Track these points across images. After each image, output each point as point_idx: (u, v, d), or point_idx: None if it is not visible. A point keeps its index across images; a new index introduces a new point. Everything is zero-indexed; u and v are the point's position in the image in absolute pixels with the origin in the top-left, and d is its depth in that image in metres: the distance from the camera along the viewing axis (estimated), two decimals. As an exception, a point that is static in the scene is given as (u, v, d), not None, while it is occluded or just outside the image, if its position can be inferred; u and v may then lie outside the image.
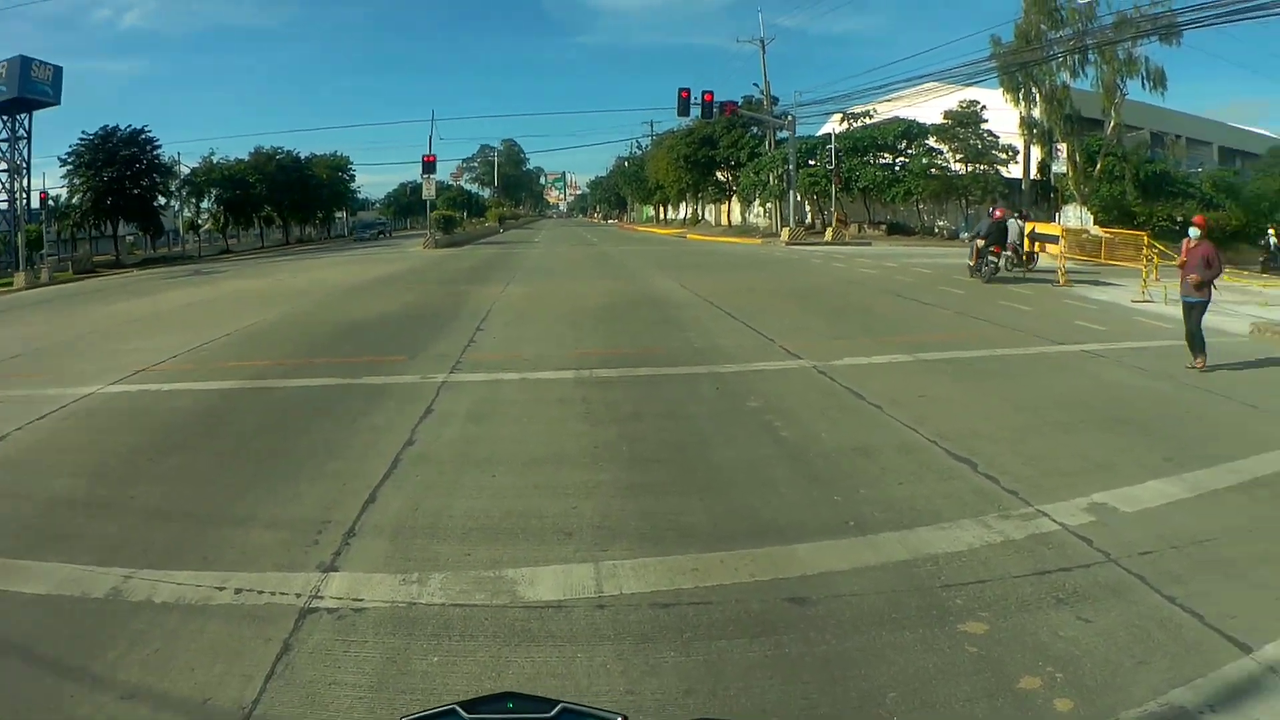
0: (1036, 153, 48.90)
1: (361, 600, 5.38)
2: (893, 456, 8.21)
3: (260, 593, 5.49)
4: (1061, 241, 26.28)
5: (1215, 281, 12.98)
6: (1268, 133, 72.90)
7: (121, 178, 63.91)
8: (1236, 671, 4.47)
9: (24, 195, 55.14)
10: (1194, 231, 13.12)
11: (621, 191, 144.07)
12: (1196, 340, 12.65)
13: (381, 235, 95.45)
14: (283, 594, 5.46)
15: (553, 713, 1.54)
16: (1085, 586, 5.43)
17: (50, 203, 63.85)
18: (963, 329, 16.48)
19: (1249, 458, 8.25)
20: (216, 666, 4.64)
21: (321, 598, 5.40)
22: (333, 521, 6.70)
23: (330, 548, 6.20)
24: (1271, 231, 36.67)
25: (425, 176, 62.60)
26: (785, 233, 53.97)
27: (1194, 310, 12.62)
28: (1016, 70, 43.11)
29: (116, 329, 20.22)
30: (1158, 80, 40.07)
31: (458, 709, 1.52)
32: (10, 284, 47.05)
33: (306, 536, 6.41)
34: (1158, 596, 5.29)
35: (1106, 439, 8.95)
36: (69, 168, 64.91)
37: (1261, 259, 34.63)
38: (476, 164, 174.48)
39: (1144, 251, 23.79)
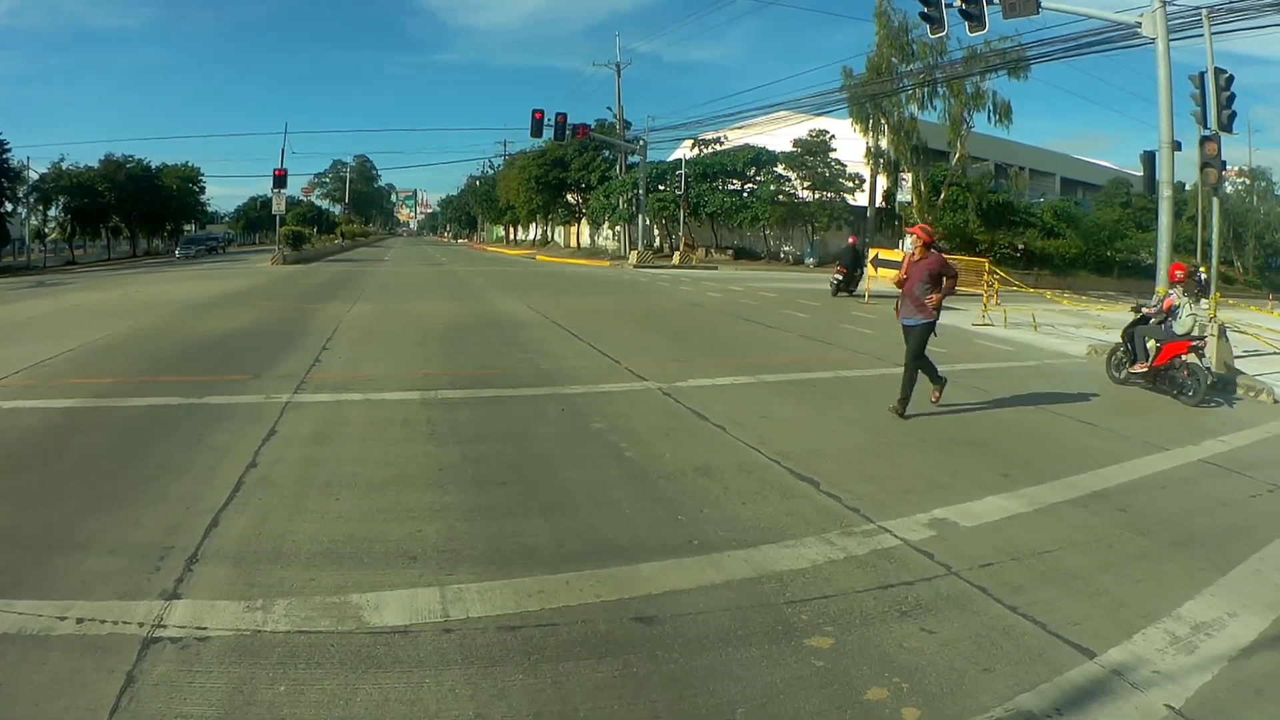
0: (883, 181, 50.57)
1: (205, 629, 5.16)
2: (736, 476, 8.24)
3: (102, 622, 5.22)
4: (904, 267, 27.05)
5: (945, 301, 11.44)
6: (1109, 164, 77.58)
7: None
8: (1081, 676, 4.60)
9: None
10: (909, 242, 11.72)
11: (472, 211, 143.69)
12: (925, 368, 11.42)
13: (213, 252, 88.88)
14: (125, 623, 5.20)
15: None
16: (928, 599, 5.53)
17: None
18: (806, 352, 16.82)
19: (1085, 473, 8.65)
20: (60, 700, 4.40)
21: (165, 626, 5.16)
22: (175, 547, 6.41)
23: (173, 574, 5.93)
24: (1202, 270, 38.84)
25: (276, 191, 60.27)
26: (634, 256, 54.49)
27: (913, 334, 11.30)
28: (866, 102, 44.62)
29: (-47, 342, 18.65)
30: (1004, 114, 42.24)
31: None
32: None
33: (148, 562, 6.12)
34: (1000, 606, 5.42)
35: (946, 458, 9.23)
36: None
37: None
38: (329, 179, 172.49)
39: (985, 277, 24.77)
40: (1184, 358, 13.49)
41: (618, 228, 68.11)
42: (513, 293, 30.99)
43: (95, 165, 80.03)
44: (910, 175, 44.76)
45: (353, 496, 7.67)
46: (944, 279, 11.27)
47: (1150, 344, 13.91)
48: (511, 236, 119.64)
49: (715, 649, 4.88)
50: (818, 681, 4.52)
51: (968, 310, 24.25)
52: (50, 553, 6.35)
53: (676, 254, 55.28)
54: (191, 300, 28.08)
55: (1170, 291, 14.28)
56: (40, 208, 78.18)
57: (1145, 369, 13.95)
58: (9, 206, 68.66)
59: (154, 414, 11.01)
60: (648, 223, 59.58)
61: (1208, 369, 13.79)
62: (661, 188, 60.54)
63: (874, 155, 47.27)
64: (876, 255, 29.78)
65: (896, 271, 27.11)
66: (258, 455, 8.92)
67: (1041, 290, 30.22)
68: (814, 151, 54.92)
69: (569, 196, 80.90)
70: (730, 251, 60.38)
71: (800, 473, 8.34)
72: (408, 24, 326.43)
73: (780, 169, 57.36)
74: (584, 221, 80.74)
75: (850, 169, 53.75)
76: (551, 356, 15.60)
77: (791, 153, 56.01)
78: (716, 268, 51.59)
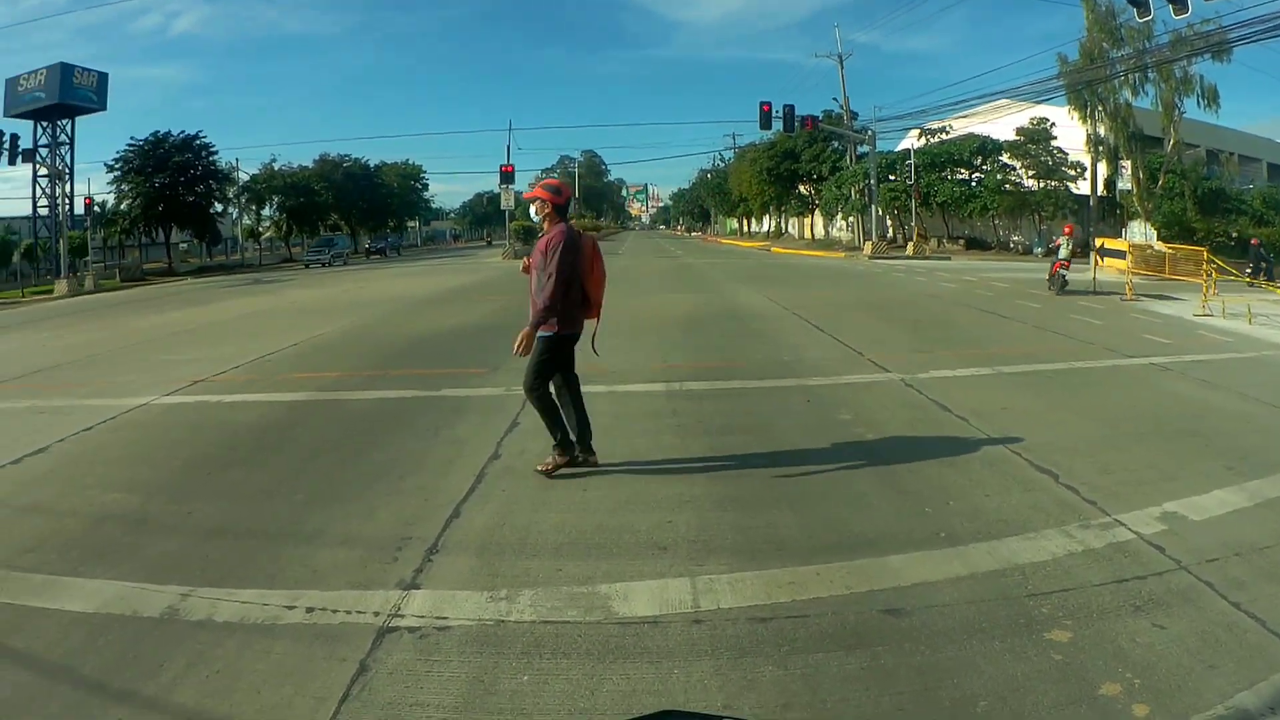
0: (1103, 169, 47.85)
1: (446, 619, 5.01)
2: (979, 469, 8.06)
3: (334, 611, 5.11)
4: (1128, 256, 25.83)
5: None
6: (1314, 147, 70.55)
7: (174, 184, 60.79)
8: (1296, 675, 4.43)
9: (66, 201, 53.12)
10: (534, 209, 7.70)
11: (704, 204, 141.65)
12: (573, 409, 7.92)
13: (381, 254, 78.81)
14: (359, 613, 5.09)
15: None
16: (1159, 593, 5.36)
17: (96, 209, 58.79)
18: (1040, 342, 16.29)
19: (1306, 467, 8.10)
20: (285, 688, 4.31)
21: (402, 616, 5.03)
22: (414, 538, 6.28)
23: (411, 564, 5.80)
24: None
25: (503, 187, 61.29)
26: (868, 247, 53.41)
27: (533, 350, 7.50)
28: (1082, 88, 42.42)
29: (170, 339, 19.33)
30: (1211, 98, 39.32)
31: None
32: (50, 291, 44.95)
33: (385, 553, 6.00)
34: (1224, 603, 5.21)
35: (1174, 449, 8.81)
36: (116, 174, 61.98)
37: (1249, 269, 33.24)
38: (556, 174, 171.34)
39: (1204, 266, 23.29)
40: (1060, 271, 25.01)
41: (850, 218, 66.67)
42: (749, 284, 30.46)
43: (309, 165, 78.53)
44: (1129, 163, 42.17)
45: (599, 487, 7.45)
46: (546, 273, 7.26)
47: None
48: (745, 229, 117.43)
49: (960, 641, 4.70)
50: (1056, 675, 4.35)
51: (1188, 300, 22.75)
52: (278, 544, 6.27)
53: (910, 244, 53.65)
54: (417, 296, 28.11)
55: (1060, 238, 26.78)
56: (253, 207, 76.78)
57: (1049, 277, 25.55)
58: (218, 207, 68.43)
59: (385, 407, 10.84)
60: (880, 213, 58.24)
61: (1064, 276, 24.96)
62: (891, 178, 58.81)
63: (1093, 142, 44.72)
64: (1102, 245, 28.56)
65: (1122, 262, 26.13)
66: (500, 446, 8.78)
67: (1256, 280, 27.92)
68: (1036, 140, 52.16)
69: (801, 188, 78.88)
70: (961, 241, 58.11)
71: (1040, 464, 8.12)
72: (624, 19, 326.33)
73: (1005, 158, 54.95)
74: (817, 212, 79.00)
75: (1070, 157, 51.09)
76: (792, 348, 15.41)
77: (1015, 141, 53.46)
78: (949, 258, 49.82)
